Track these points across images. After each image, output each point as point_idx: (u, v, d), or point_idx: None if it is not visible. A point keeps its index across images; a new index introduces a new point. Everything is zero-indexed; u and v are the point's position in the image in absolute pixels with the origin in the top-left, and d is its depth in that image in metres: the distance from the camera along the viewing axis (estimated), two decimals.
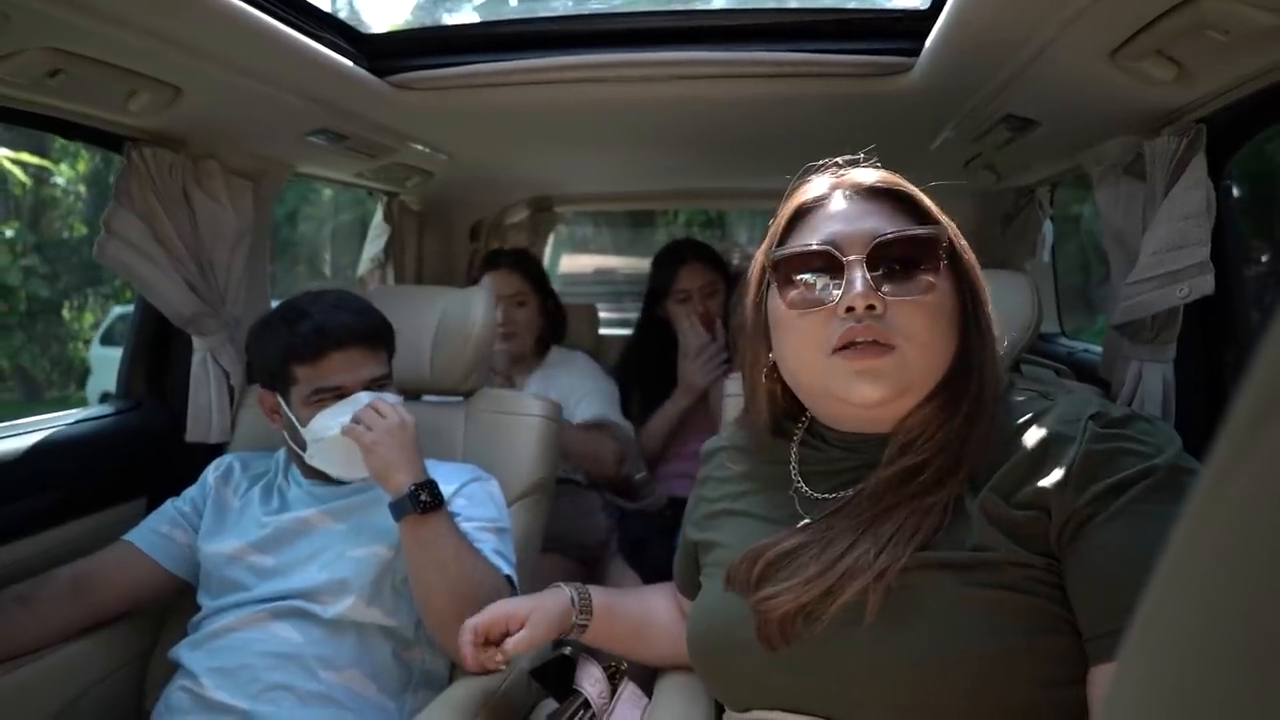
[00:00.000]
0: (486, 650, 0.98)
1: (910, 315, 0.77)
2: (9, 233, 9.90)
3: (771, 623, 0.75)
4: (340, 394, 1.26)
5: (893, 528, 0.74)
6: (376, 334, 1.31)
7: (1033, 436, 0.74)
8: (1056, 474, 0.70)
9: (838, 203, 0.83)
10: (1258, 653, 0.17)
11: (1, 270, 8.95)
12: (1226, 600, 0.18)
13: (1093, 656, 0.68)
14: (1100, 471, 0.69)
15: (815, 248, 0.80)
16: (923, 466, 0.77)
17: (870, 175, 0.85)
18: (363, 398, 1.25)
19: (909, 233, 0.79)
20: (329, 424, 1.24)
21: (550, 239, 3.38)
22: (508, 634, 0.97)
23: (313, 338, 1.25)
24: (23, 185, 8.63)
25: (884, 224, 0.80)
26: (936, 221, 0.82)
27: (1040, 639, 0.69)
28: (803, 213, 0.86)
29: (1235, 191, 1.39)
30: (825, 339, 0.78)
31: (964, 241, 0.84)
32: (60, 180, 9.05)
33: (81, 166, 8.98)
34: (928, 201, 0.83)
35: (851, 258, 0.78)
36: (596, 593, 1.05)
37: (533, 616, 0.98)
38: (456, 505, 1.28)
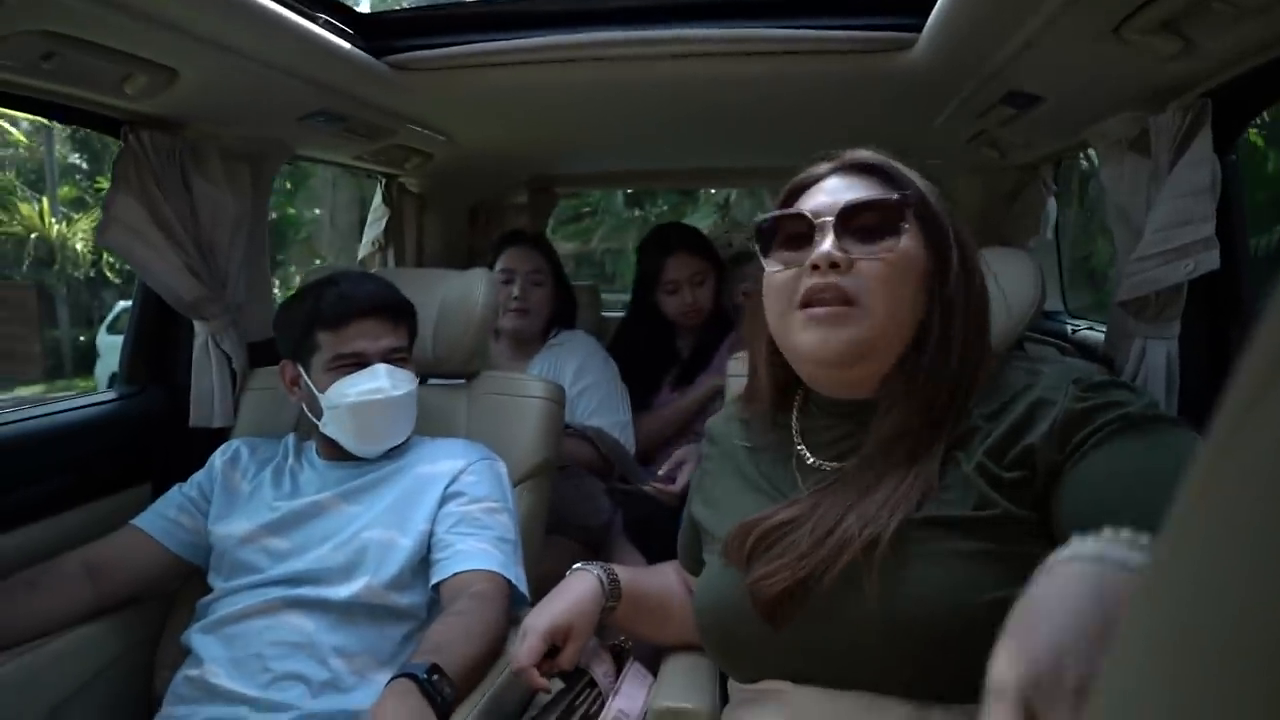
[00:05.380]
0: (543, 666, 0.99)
1: (872, 272, 0.81)
2: None
3: (768, 601, 0.78)
4: (360, 362, 1.30)
5: (882, 497, 0.77)
6: (399, 306, 1.36)
7: (1022, 404, 0.78)
8: (1041, 432, 0.75)
9: (829, 180, 0.88)
10: (1259, 621, 0.17)
11: None
12: (1228, 572, 0.18)
13: None
14: (1080, 426, 0.73)
15: (791, 211, 0.86)
16: (904, 434, 0.80)
17: (862, 153, 0.89)
18: (380, 370, 1.29)
19: (873, 198, 0.83)
20: (346, 392, 1.28)
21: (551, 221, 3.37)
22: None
23: (338, 303, 1.31)
24: None
25: (862, 194, 0.84)
26: (907, 189, 0.85)
27: None
28: (797, 190, 0.91)
29: None
30: (793, 294, 0.84)
31: (948, 213, 0.86)
32: None
33: None
34: (908, 174, 0.87)
35: (822, 220, 0.83)
36: (621, 573, 1.05)
37: (574, 628, 0.98)
38: (464, 483, 1.29)
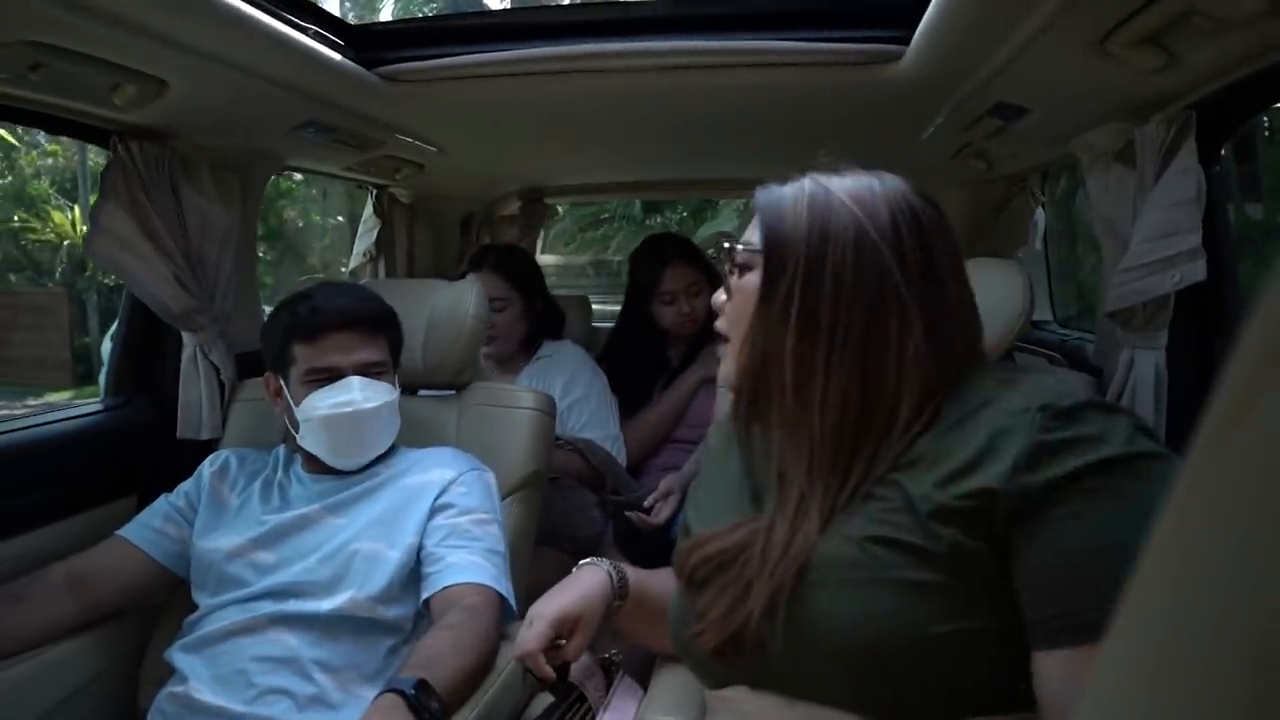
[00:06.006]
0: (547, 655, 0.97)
1: (729, 309, 0.88)
2: None
3: (708, 651, 0.80)
4: (333, 375, 1.29)
5: (782, 541, 0.77)
6: (375, 320, 1.34)
7: (977, 426, 0.73)
8: (1003, 463, 0.69)
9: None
10: (1241, 640, 0.17)
11: None
12: (1211, 582, 0.18)
13: (1039, 642, 0.67)
14: (1050, 461, 0.67)
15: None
16: (796, 464, 0.80)
17: (756, 191, 0.90)
18: (353, 383, 1.28)
19: (724, 249, 0.90)
20: (318, 405, 1.27)
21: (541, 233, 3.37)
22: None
23: (310, 317, 1.30)
24: None
25: (745, 233, 0.89)
26: (768, 231, 0.84)
27: (983, 623, 0.69)
28: (749, 219, 0.95)
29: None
30: None
31: (803, 242, 0.81)
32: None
33: None
34: (774, 212, 0.85)
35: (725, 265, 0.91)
36: (629, 573, 1.03)
37: (583, 619, 0.96)
38: (453, 494, 1.29)
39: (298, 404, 1.29)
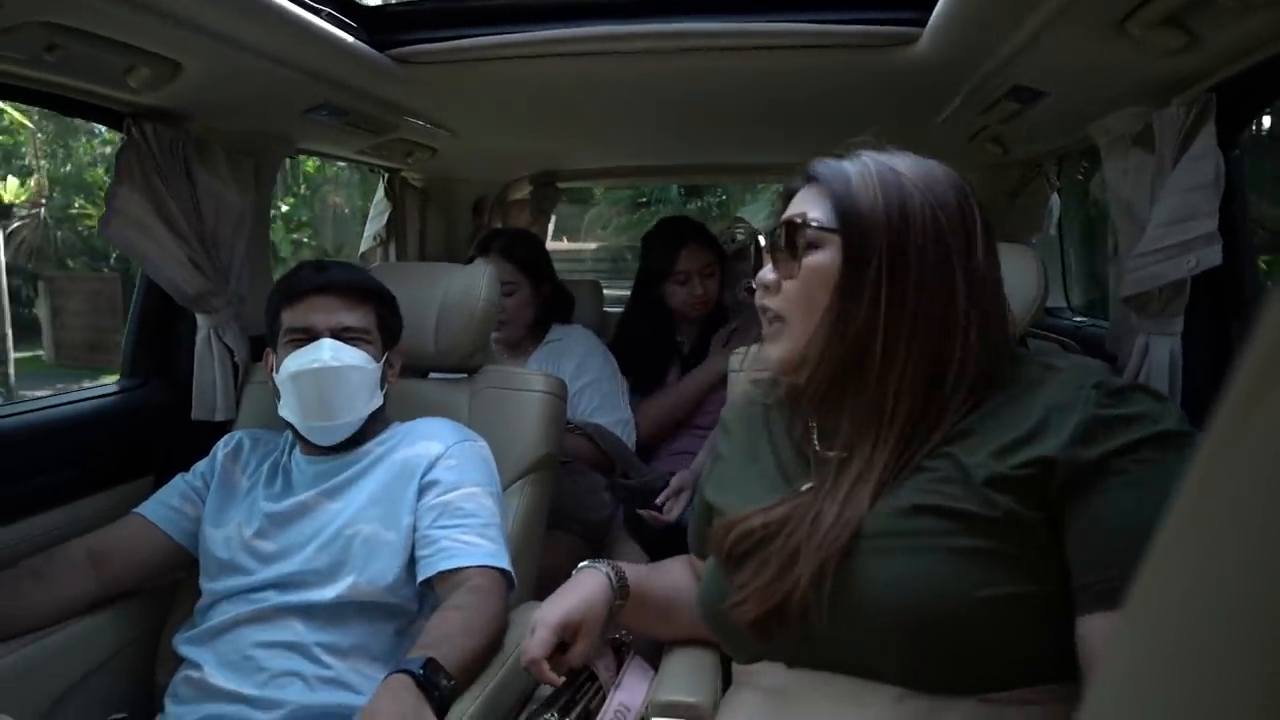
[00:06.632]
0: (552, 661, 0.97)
1: (790, 291, 0.85)
2: (284, 207, 10.97)
3: (745, 624, 0.80)
4: (310, 336, 1.29)
5: (833, 516, 0.77)
6: (358, 288, 1.34)
7: (1034, 401, 0.76)
8: (1061, 434, 0.72)
9: (797, 194, 0.90)
10: (1253, 621, 0.17)
11: (275, 243, 9.77)
12: (1224, 571, 0.19)
13: (1087, 605, 0.69)
14: (1107, 435, 0.71)
15: (758, 237, 0.93)
16: (859, 438, 0.81)
17: (817, 163, 0.88)
18: (324, 344, 1.27)
19: (790, 218, 0.86)
20: (289, 365, 1.27)
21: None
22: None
23: (294, 281, 1.33)
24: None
25: (801, 209, 0.86)
26: (844, 209, 0.83)
27: (1030, 588, 0.71)
28: (788, 197, 0.93)
29: None
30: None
31: (884, 224, 0.81)
32: None
33: None
34: (844, 189, 0.84)
35: (764, 244, 0.89)
36: (628, 571, 1.04)
37: (585, 623, 0.97)
38: (439, 471, 1.27)
39: (277, 370, 1.30)
